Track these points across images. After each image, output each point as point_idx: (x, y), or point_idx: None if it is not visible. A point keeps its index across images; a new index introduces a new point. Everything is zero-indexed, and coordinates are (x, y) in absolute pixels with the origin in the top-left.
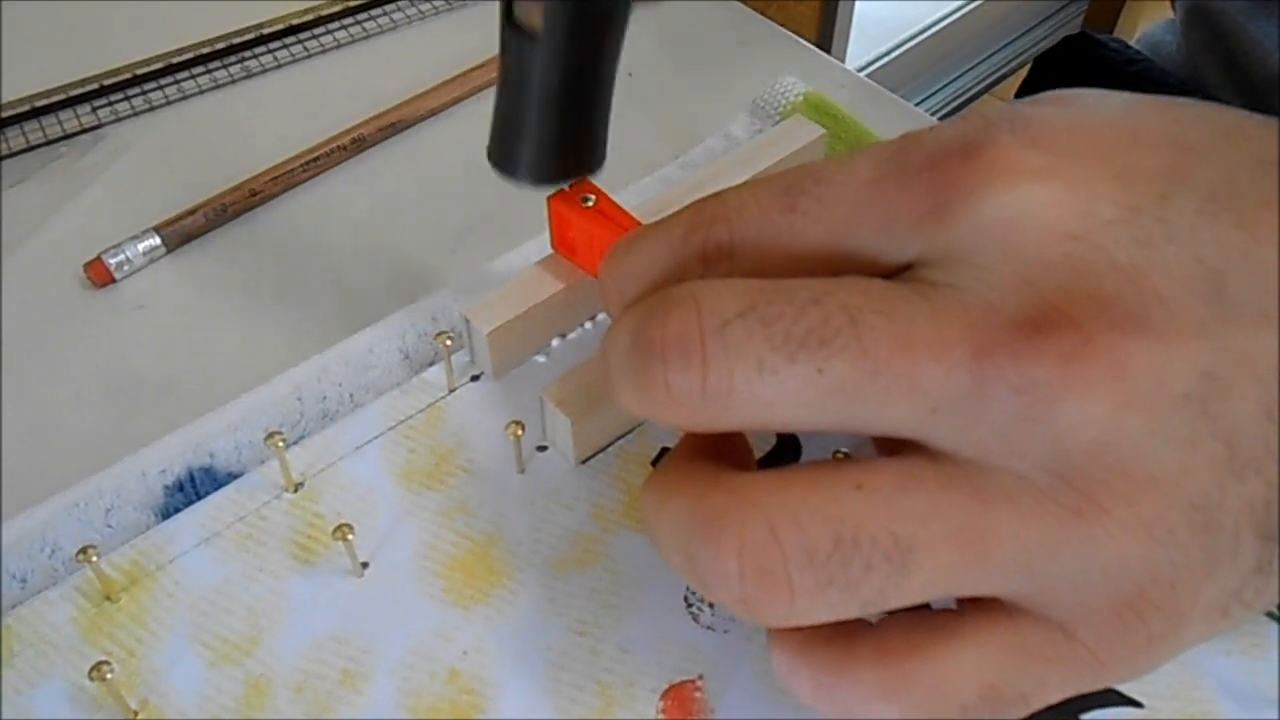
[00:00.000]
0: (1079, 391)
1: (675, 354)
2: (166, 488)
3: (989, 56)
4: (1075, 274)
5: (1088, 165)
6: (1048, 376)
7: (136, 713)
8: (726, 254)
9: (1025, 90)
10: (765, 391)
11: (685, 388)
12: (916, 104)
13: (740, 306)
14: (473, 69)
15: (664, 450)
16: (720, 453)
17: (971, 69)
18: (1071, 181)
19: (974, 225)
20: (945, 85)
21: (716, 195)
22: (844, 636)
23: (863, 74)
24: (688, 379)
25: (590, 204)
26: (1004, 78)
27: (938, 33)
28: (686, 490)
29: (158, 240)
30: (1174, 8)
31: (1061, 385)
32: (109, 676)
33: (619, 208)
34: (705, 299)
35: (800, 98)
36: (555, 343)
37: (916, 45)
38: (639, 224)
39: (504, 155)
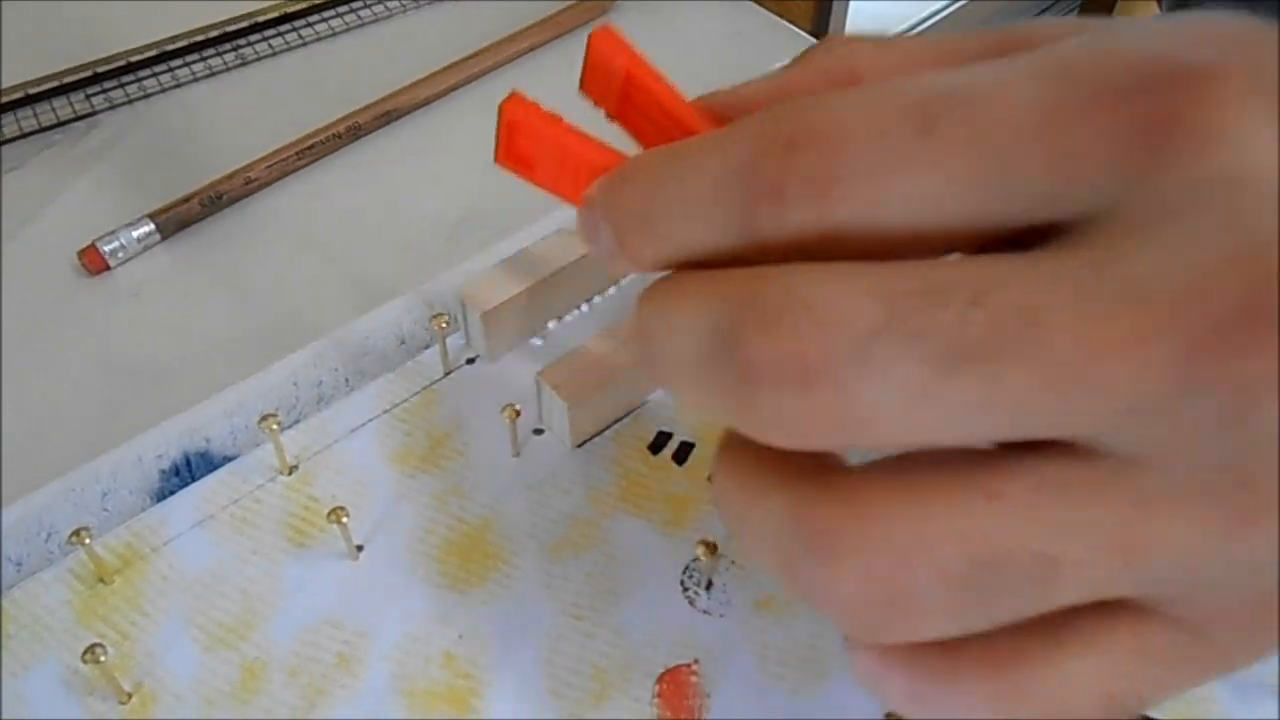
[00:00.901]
0: None
1: (791, 381)
2: (163, 472)
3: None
4: None
5: None
6: (1263, 374)
7: (130, 695)
8: (819, 192)
9: None
10: (919, 416)
11: (805, 418)
12: None
13: (877, 317)
14: (469, 56)
15: (661, 434)
16: None
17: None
18: None
19: (1194, 179)
20: None
21: (797, 106)
22: (945, 641)
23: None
24: (809, 409)
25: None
26: None
27: (932, 25)
28: (783, 486)
29: (152, 227)
30: (1160, 7)
31: (1271, 384)
32: (103, 659)
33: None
34: (826, 307)
35: None
36: (552, 325)
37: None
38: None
39: None
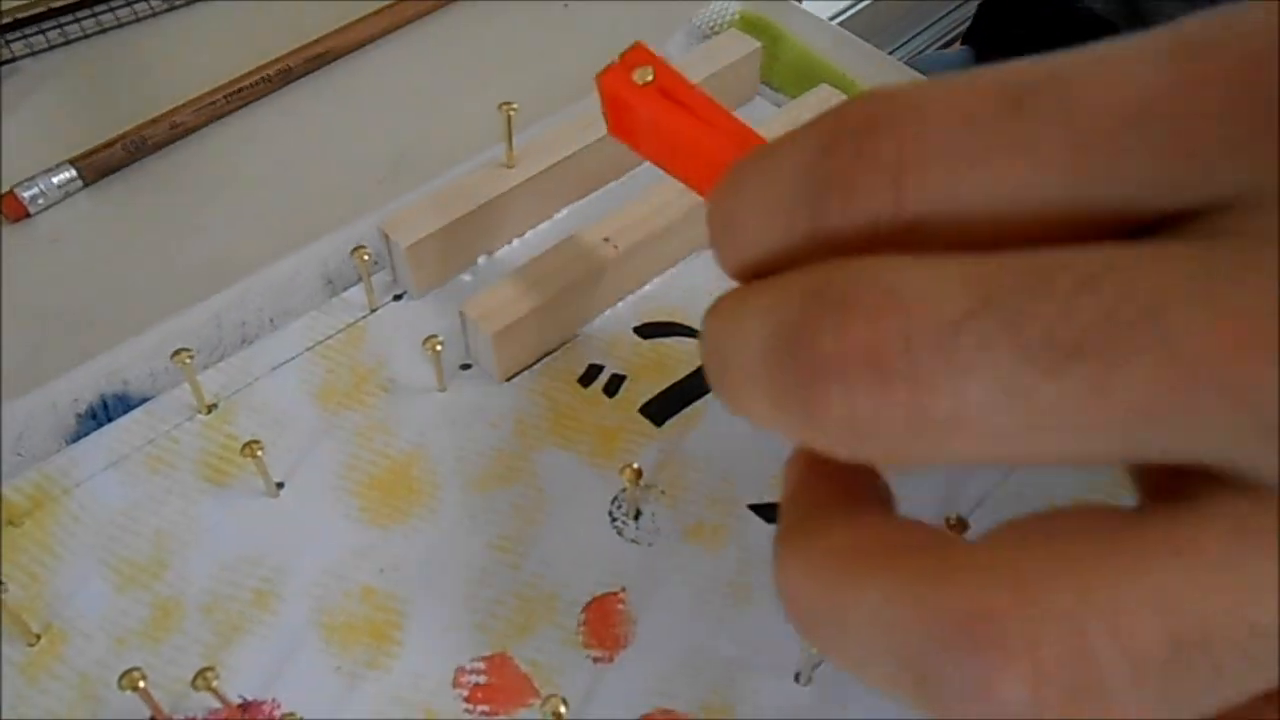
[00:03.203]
0: None
1: (865, 373)
2: (79, 415)
3: (953, 10)
4: None
5: None
6: None
7: (39, 637)
8: (891, 181)
9: (970, 38)
10: (1013, 420)
11: (881, 418)
12: (890, 52)
13: (969, 300)
14: (403, 0)
15: (593, 367)
16: (854, 482)
17: (936, 22)
18: None
19: None
20: (927, 28)
21: (871, 92)
22: None
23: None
24: (887, 407)
25: (650, 80)
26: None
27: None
28: (888, 570)
29: (74, 173)
30: None
31: None
32: (3, 597)
33: (691, 87)
34: (906, 290)
35: (736, 16)
36: (482, 260)
37: None
38: (721, 111)
39: None
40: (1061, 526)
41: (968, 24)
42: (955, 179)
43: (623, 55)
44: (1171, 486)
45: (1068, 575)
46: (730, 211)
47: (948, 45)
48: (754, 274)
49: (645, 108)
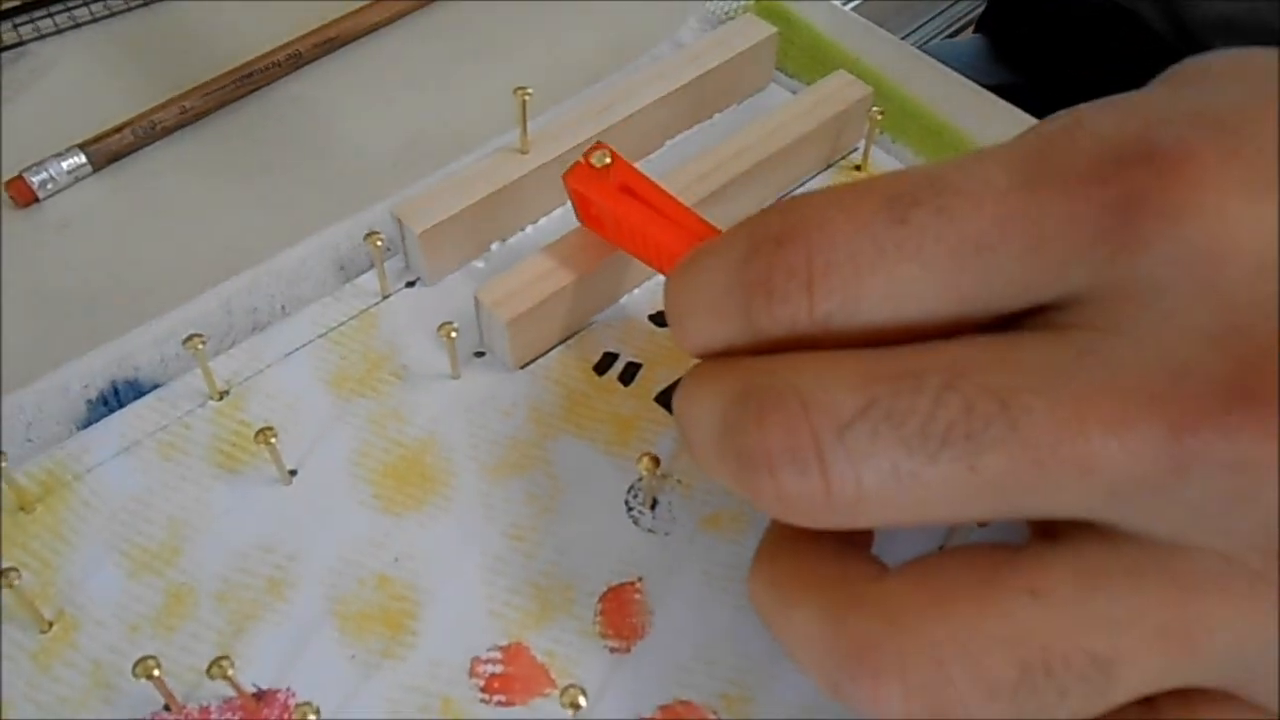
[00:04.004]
0: None
1: (785, 464)
2: (89, 402)
3: None
4: None
5: None
6: (1262, 454)
7: (51, 624)
8: (803, 284)
9: (982, 26)
10: (904, 495)
11: (804, 497)
12: (903, 37)
13: (858, 403)
14: None
15: (608, 355)
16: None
17: (947, 9)
18: None
19: (1167, 257)
20: (935, 17)
21: (788, 203)
22: None
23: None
24: (806, 488)
25: (607, 162)
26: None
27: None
28: (817, 592)
29: (83, 158)
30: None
31: (1276, 462)
32: (16, 583)
33: (648, 182)
34: (811, 396)
35: (750, 1)
36: (495, 246)
37: None
38: (675, 203)
39: None
40: (949, 564)
41: (979, 10)
42: (857, 280)
43: (586, 153)
44: (1047, 526)
45: (936, 610)
46: (679, 305)
47: (957, 33)
48: (707, 356)
49: (606, 202)
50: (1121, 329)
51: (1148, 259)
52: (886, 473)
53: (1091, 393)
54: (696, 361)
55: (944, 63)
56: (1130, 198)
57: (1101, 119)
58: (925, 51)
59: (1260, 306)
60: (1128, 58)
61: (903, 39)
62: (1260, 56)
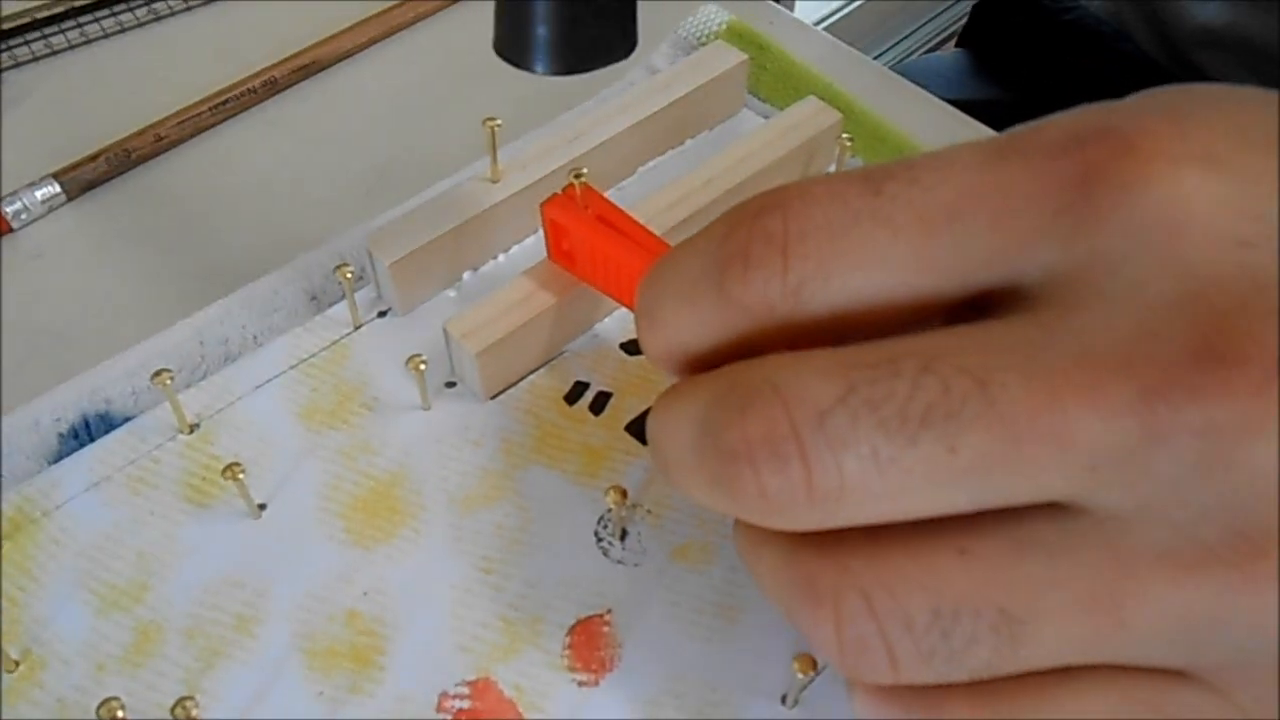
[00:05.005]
0: (1269, 431)
1: (766, 458)
2: (61, 435)
3: (947, 9)
4: (1253, 288)
5: (1254, 158)
6: (1232, 416)
7: (18, 663)
8: (779, 249)
9: (965, 40)
10: (886, 483)
11: (785, 492)
12: (882, 53)
13: (836, 391)
14: (390, 9)
15: (578, 384)
16: None
17: (931, 20)
18: (1241, 176)
19: (1127, 228)
20: (915, 30)
21: (768, 190)
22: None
23: (825, 23)
24: (787, 482)
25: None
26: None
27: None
28: (783, 537)
29: (57, 188)
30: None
31: (1247, 425)
32: None
33: (621, 213)
34: (789, 387)
35: (723, 26)
36: (467, 276)
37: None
38: (647, 232)
39: (515, 41)
40: (899, 524)
41: (962, 23)
42: (830, 244)
43: (565, 188)
44: None
45: (871, 558)
46: (649, 302)
47: (938, 47)
48: (677, 363)
49: (581, 229)
50: (1089, 303)
51: (1107, 231)
52: (867, 458)
53: (1065, 365)
54: (666, 388)
55: (926, 77)
56: (1088, 172)
57: (1064, 115)
58: (907, 66)
59: (1221, 273)
60: (1110, 71)
61: (884, 53)
62: (1249, 89)
